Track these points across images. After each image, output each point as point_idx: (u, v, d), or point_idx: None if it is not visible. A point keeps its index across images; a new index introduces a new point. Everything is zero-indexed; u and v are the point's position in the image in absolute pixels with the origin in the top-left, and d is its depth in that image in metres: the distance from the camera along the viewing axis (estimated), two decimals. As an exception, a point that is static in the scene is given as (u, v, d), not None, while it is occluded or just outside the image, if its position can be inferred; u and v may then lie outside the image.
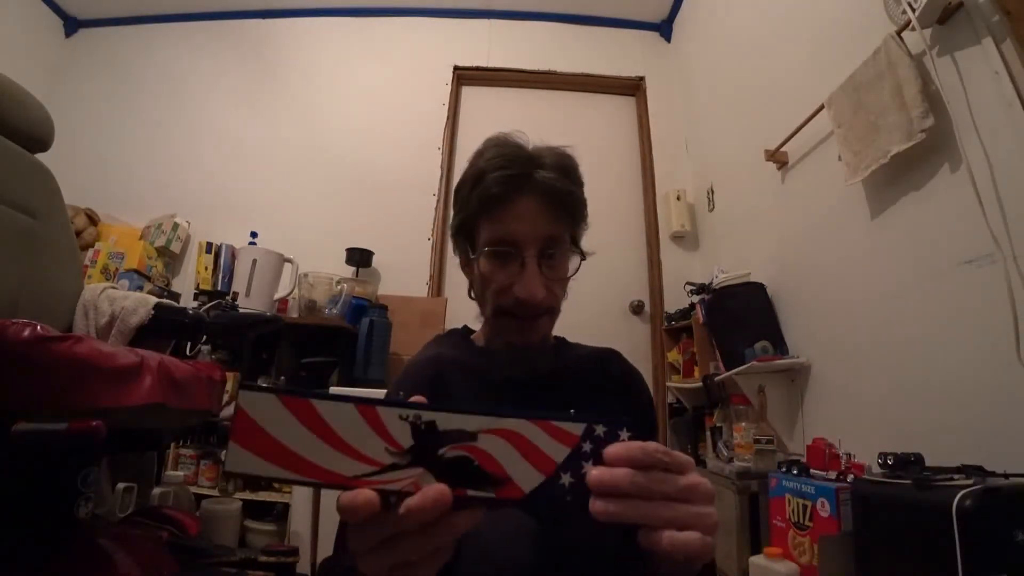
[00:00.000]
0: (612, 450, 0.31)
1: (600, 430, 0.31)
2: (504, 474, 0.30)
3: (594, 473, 0.31)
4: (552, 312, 0.63)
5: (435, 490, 0.28)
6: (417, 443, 0.29)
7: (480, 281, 0.64)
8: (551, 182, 0.59)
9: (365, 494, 0.28)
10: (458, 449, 0.29)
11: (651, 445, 0.32)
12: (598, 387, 0.68)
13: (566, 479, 0.30)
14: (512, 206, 0.59)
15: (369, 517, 0.28)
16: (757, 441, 1.58)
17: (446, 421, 0.29)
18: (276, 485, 1.89)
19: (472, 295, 0.69)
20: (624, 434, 0.31)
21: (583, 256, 0.65)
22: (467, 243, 0.65)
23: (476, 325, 0.73)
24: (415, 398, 0.31)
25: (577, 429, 0.30)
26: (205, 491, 1.89)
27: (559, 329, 0.71)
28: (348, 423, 0.28)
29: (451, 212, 0.70)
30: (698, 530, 0.32)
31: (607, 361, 0.72)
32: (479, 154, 0.64)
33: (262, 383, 0.25)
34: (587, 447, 0.31)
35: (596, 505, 0.31)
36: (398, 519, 0.28)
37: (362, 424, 0.28)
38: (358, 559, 0.30)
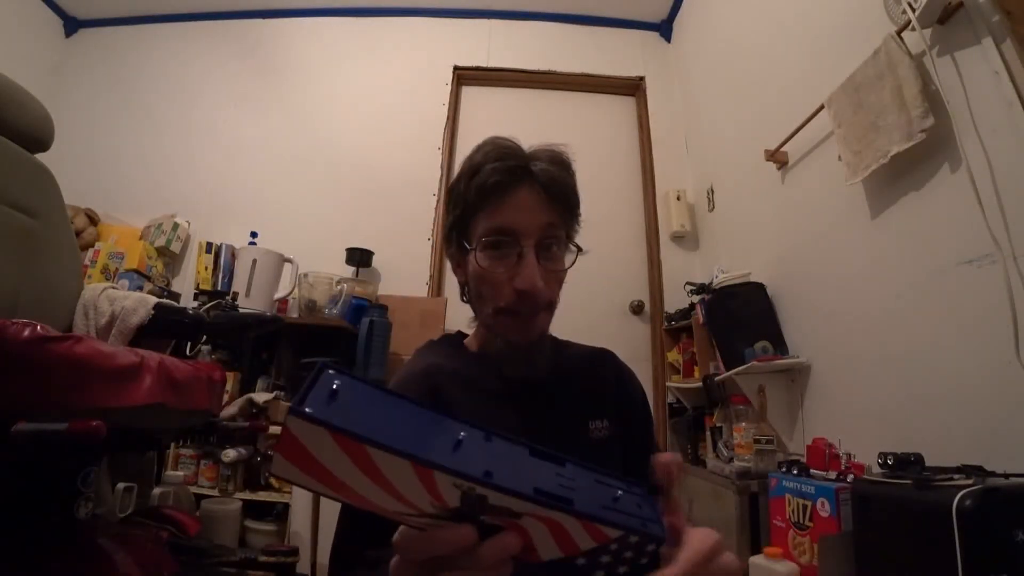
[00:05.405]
0: None
1: (632, 539, 0.32)
2: (532, 547, 0.31)
3: None
4: (551, 307, 0.63)
5: (512, 536, 0.29)
6: (463, 506, 0.28)
7: (476, 279, 0.62)
8: (549, 172, 0.60)
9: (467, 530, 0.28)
10: (498, 520, 0.29)
11: None
12: (592, 387, 0.69)
13: (581, 561, 0.32)
14: (510, 196, 0.59)
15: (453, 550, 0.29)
16: (757, 441, 1.58)
17: (499, 499, 0.28)
18: (276, 484, 1.90)
19: (465, 298, 0.67)
20: (652, 547, 0.33)
21: (579, 251, 0.64)
22: (462, 239, 0.63)
23: (470, 330, 0.73)
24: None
25: (614, 533, 0.31)
26: (205, 491, 1.89)
27: (559, 328, 0.72)
28: (399, 473, 0.27)
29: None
30: None
31: (601, 361, 0.74)
32: (474, 152, 0.63)
33: (310, 406, 0.24)
34: (614, 547, 0.32)
35: None
36: (478, 553, 0.29)
37: (414, 478, 0.27)
38: None
